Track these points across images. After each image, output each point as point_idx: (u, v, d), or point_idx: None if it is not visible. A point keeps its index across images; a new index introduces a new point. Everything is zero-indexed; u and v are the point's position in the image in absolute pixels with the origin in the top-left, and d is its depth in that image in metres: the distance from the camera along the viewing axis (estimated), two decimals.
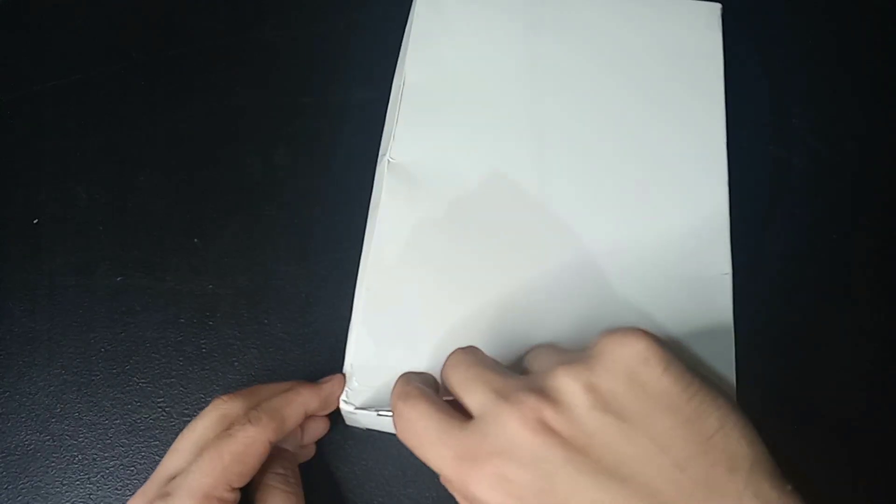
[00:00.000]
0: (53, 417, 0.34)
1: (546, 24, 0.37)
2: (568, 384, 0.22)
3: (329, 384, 0.30)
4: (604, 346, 0.22)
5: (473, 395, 0.23)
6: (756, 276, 0.32)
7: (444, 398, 0.25)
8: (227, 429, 0.28)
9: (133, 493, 0.28)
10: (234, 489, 0.27)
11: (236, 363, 0.35)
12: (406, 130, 0.34)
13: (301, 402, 0.29)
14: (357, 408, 0.29)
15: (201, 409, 0.33)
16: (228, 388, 0.34)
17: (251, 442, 0.27)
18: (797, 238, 0.37)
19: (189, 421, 0.29)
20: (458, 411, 0.24)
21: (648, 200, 0.33)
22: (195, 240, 0.38)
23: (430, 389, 0.25)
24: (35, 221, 0.38)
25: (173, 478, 0.27)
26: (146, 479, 0.27)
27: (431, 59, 0.36)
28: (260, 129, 0.40)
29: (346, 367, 0.30)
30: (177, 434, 0.33)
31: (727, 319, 0.31)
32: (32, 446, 0.34)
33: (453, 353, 0.26)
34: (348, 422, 0.31)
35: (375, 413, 0.29)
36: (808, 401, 0.34)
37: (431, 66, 0.36)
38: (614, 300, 0.31)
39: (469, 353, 0.26)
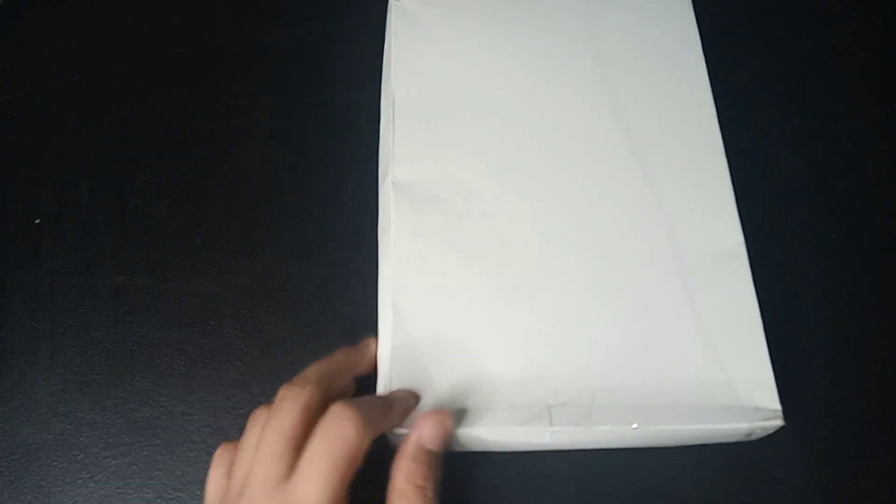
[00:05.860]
0: (56, 416, 0.34)
1: (522, 24, 0.37)
2: None
3: (413, 398, 0.30)
4: None
5: None
6: (755, 276, 0.32)
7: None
8: (327, 424, 0.26)
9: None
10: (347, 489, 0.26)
11: (238, 363, 0.35)
12: (404, 148, 0.34)
13: (399, 413, 0.29)
14: (403, 429, 0.29)
15: (202, 408, 0.34)
16: (231, 388, 0.34)
17: (360, 444, 0.25)
18: (796, 238, 0.38)
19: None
20: None
21: (652, 185, 0.33)
22: (196, 240, 0.38)
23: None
24: (37, 221, 0.38)
25: (279, 485, 0.25)
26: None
27: (416, 71, 0.36)
28: (260, 129, 0.40)
29: (381, 391, 0.30)
30: (178, 433, 0.33)
31: (748, 290, 0.31)
32: (35, 445, 0.34)
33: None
34: (393, 442, 0.31)
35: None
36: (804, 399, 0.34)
37: (417, 78, 0.36)
38: (639, 290, 0.31)
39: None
